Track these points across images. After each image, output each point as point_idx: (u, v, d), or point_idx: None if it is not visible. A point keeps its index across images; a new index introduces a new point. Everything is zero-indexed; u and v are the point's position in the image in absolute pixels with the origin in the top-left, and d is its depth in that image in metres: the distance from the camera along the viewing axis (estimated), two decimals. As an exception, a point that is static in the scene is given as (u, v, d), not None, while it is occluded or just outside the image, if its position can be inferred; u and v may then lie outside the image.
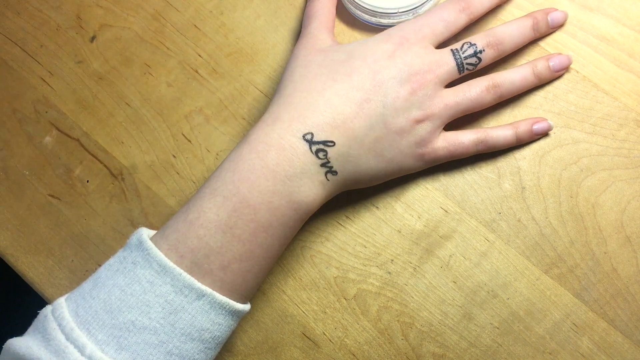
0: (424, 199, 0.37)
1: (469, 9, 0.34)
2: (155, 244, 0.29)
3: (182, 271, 0.28)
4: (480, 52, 0.34)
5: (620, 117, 0.36)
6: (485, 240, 0.36)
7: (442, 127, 0.34)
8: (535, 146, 0.36)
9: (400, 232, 0.36)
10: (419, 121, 0.33)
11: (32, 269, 0.38)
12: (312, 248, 0.36)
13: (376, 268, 0.36)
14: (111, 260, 0.30)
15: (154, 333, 0.28)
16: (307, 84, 0.32)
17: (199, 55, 0.40)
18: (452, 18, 0.34)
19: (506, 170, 0.36)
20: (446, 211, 0.36)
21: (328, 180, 0.32)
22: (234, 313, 0.30)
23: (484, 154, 0.36)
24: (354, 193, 0.37)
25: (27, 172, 0.39)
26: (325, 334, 0.35)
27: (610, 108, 0.36)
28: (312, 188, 0.31)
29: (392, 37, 0.33)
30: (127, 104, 0.40)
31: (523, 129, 0.35)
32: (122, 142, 0.39)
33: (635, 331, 0.34)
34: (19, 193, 0.39)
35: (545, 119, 0.36)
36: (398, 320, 0.35)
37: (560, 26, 0.37)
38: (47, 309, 0.29)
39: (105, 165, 0.39)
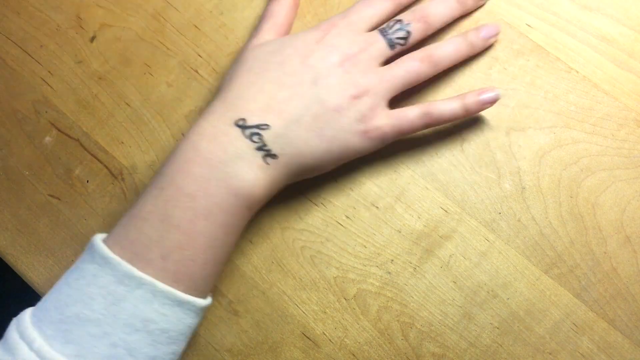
0: (424, 199, 0.37)
1: None
2: (105, 243, 0.30)
3: (121, 260, 0.29)
4: (408, 25, 0.34)
5: (620, 117, 0.36)
6: (485, 240, 0.36)
7: (385, 103, 0.34)
8: (535, 146, 0.36)
9: (400, 232, 0.36)
10: (356, 97, 0.33)
11: (32, 269, 0.38)
12: (312, 248, 0.36)
13: (376, 268, 0.36)
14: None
15: (97, 325, 0.28)
16: (241, 77, 0.33)
17: (199, 55, 0.40)
18: (378, 5, 0.35)
19: (506, 170, 0.36)
20: (446, 211, 0.36)
21: (268, 164, 0.32)
22: (182, 304, 0.30)
23: (484, 154, 0.36)
24: (355, 193, 0.37)
25: (27, 172, 0.39)
26: (325, 334, 0.35)
27: (610, 108, 0.36)
28: (249, 172, 0.31)
29: (321, 25, 0.35)
30: (127, 104, 0.40)
31: (470, 99, 0.34)
32: (122, 142, 0.39)
33: (635, 331, 0.34)
34: (19, 193, 0.39)
35: (493, 88, 0.35)
36: (398, 320, 0.35)
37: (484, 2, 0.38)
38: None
39: (105, 165, 0.39)
